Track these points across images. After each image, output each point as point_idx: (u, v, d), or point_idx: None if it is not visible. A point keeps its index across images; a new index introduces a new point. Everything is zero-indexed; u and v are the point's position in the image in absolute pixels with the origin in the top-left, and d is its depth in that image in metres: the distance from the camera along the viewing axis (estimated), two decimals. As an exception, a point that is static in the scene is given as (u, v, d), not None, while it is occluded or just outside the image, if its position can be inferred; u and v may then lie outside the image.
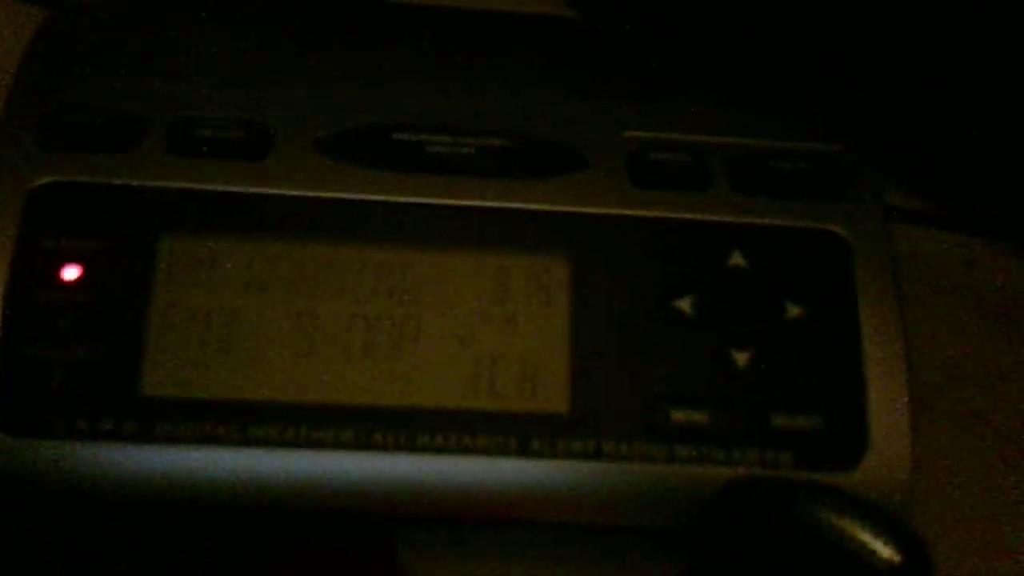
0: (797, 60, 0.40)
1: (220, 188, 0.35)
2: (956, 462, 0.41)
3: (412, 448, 0.33)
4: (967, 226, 0.43)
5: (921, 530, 0.33)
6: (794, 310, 0.35)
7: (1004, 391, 0.42)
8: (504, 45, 0.40)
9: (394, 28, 0.40)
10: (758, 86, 0.39)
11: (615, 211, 0.36)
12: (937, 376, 0.41)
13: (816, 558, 0.30)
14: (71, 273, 0.33)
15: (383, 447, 0.33)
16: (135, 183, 0.34)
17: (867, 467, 0.34)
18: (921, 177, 0.43)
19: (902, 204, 0.42)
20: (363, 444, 0.33)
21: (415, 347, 0.34)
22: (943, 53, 0.40)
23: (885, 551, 0.29)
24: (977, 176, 0.44)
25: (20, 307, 0.33)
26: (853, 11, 0.41)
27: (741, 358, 0.34)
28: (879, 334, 0.35)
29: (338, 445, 0.33)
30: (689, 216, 0.36)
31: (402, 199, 0.35)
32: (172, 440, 0.32)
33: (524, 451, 0.33)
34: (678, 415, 0.33)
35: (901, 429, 0.34)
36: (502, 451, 0.33)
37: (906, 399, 0.34)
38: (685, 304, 0.35)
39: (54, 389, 0.32)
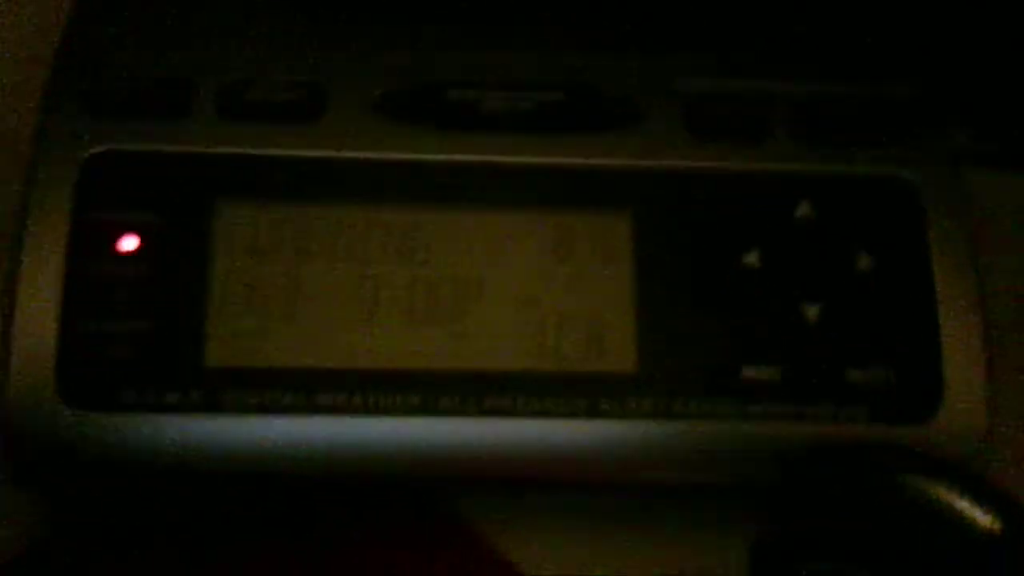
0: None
1: (274, 152, 0.34)
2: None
3: (479, 412, 0.32)
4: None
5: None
6: (864, 261, 0.34)
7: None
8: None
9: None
10: (817, 27, 0.38)
11: (675, 164, 0.35)
12: (1014, 323, 0.40)
13: (912, 527, 0.29)
14: (128, 244, 0.33)
15: (449, 412, 0.32)
16: (187, 150, 0.34)
17: (943, 419, 0.33)
18: (994, 118, 0.42)
19: (974, 146, 0.41)
20: (429, 409, 0.32)
21: (478, 309, 0.33)
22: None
23: (985, 520, 0.28)
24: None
25: (79, 280, 0.32)
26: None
27: (811, 312, 0.33)
28: (953, 283, 0.34)
29: (404, 411, 0.32)
30: (751, 167, 0.35)
31: (459, 158, 0.34)
32: (237, 410, 0.32)
33: (593, 412, 0.33)
34: (749, 372, 0.33)
35: (977, 380, 0.33)
36: (571, 413, 0.32)
37: (982, 350, 0.33)
38: (752, 258, 0.34)
39: (116, 362, 0.32)
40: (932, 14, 0.39)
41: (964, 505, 0.29)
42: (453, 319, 0.33)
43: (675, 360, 0.33)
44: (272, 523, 0.35)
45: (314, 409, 0.32)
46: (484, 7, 0.38)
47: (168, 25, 0.36)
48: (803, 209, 0.34)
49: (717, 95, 0.36)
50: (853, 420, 0.33)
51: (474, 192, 0.34)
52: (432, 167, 0.34)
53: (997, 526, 0.28)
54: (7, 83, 0.40)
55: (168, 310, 0.32)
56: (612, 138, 0.35)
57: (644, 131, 0.35)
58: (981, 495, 0.29)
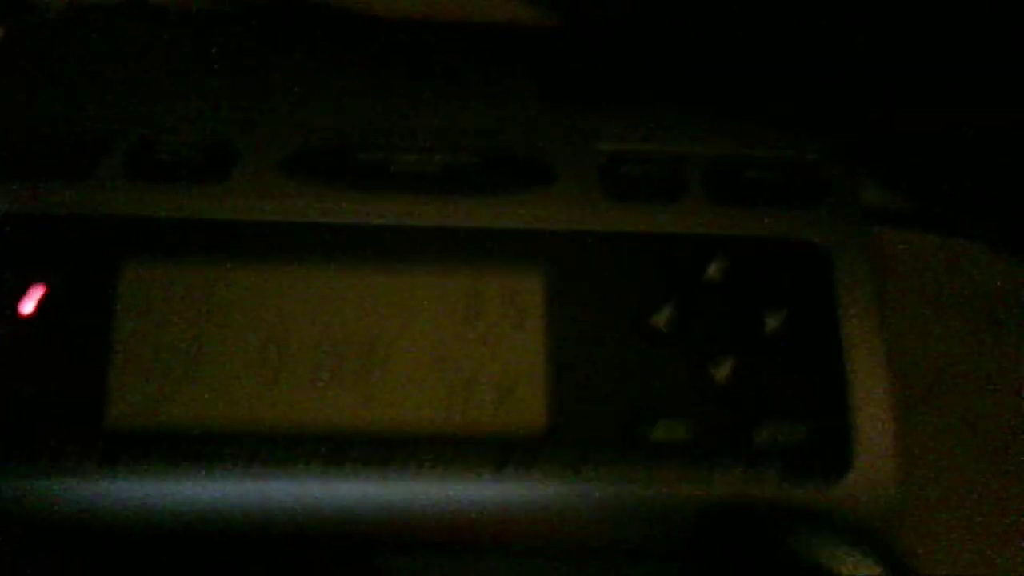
0: (769, 67, 0.39)
1: (181, 213, 0.34)
2: (943, 468, 0.40)
3: (386, 473, 0.32)
4: (948, 227, 0.43)
5: (908, 539, 0.32)
6: (773, 321, 0.34)
7: (992, 394, 0.42)
8: (469, 57, 0.39)
9: (357, 44, 0.39)
10: (731, 94, 0.38)
11: (588, 226, 0.35)
12: (924, 380, 0.41)
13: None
14: (30, 305, 0.32)
15: (356, 473, 0.32)
16: (93, 211, 0.33)
17: (853, 479, 0.33)
18: (900, 178, 0.42)
19: (882, 206, 0.42)
20: (335, 470, 0.32)
21: (386, 370, 0.33)
22: (920, 55, 0.40)
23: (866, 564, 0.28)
24: (957, 176, 0.43)
25: None
26: (829, 16, 0.40)
27: (721, 372, 0.33)
28: (861, 343, 0.34)
29: (309, 472, 0.32)
30: (664, 228, 0.35)
31: (369, 220, 0.34)
32: (138, 472, 0.31)
33: (501, 474, 0.32)
34: (658, 432, 0.33)
35: (887, 439, 0.33)
36: (478, 474, 0.32)
37: (891, 408, 0.33)
38: (662, 318, 0.34)
39: (17, 424, 0.31)
40: (844, 77, 0.39)
41: (851, 562, 0.29)
42: (359, 380, 0.33)
43: (585, 419, 0.33)
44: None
45: (216, 471, 0.32)
46: (399, 66, 0.38)
47: (76, 85, 0.36)
48: (713, 270, 0.34)
49: (631, 156, 0.36)
50: (763, 480, 0.33)
51: (383, 253, 0.34)
52: (340, 228, 0.34)
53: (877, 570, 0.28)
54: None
55: (69, 372, 0.32)
56: (525, 199, 0.35)
57: (558, 192, 0.35)
58: (867, 551, 0.29)
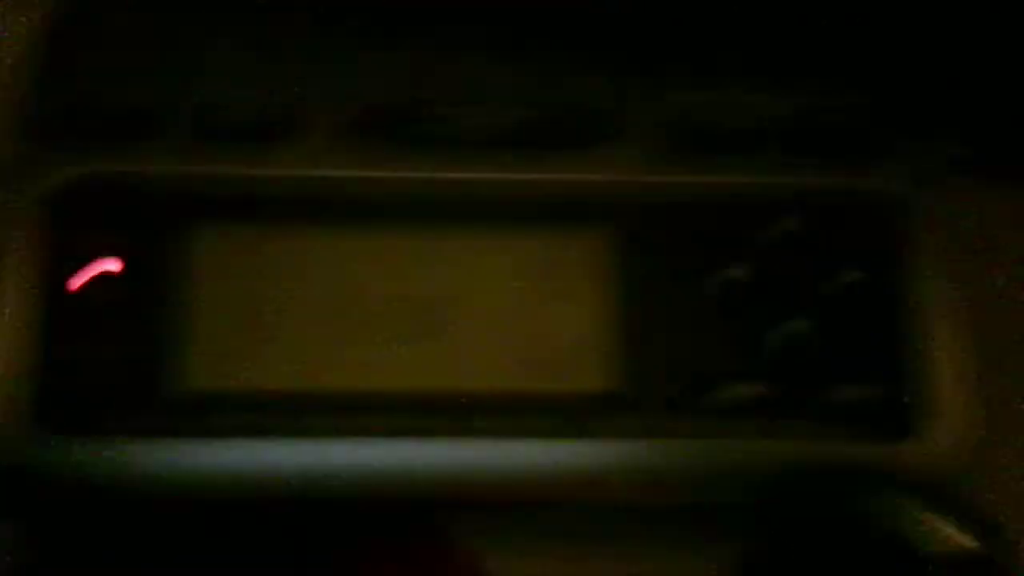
0: (847, 12, 0.38)
1: (250, 172, 0.34)
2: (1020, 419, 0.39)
3: (462, 433, 0.32)
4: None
5: (992, 498, 0.32)
6: (850, 275, 0.33)
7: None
8: (537, 11, 0.39)
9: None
10: (804, 39, 0.37)
11: (659, 180, 0.34)
12: (1007, 335, 0.40)
13: (891, 548, 0.29)
14: (105, 267, 0.33)
15: (432, 433, 0.32)
16: (162, 172, 0.33)
17: (930, 435, 0.32)
18: (986, 130, 0.41)
19: (965, 159, 0.41)
20: (411, 430, 0.32)
21: (458, 330, 0.33)
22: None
23: (960, 538, 0.28)
24: None
25: (56, 306, 0.32)
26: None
27: (796, 328, 0.33)
28: (938, 300, 0.33)
29: (383, 432, 0.32)
30: (736, 181, 0.34)
31: (437, 175, 0.34)
32: (214, 433, 0.32)
33: (574, 432, 0.32)
34: (732, 391, 0.32)
35: (966, 395, 0.33)
36: (552, 433, 0.32)
37: (968, 367, 0.33)
38: (736, 273, 0.33)
39: (95, 387, 0.32)
40: (922, 28, 0.38)
41: (939, 525, 0.28)
42: (433, 339, 0.33)
43: (660, 378, 0.33)
44: (257, 547, 0.34)
45: (295, 432, 0.32)
46: (466, 20, 0.38)
47: (145, 45, 0.36)
48: (788, 222, 0.34)
49: (702, 108, 0.35)
50: (838, 438, 0.32)
51: (453, 210, 0.34)
52: (410, 184, 0.34)
53: (974, 544, 0.28)
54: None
55: (144, 334, 0.32)
56: (595, 153, 0.35)
57: (627, 146, 0.35)
58: (957, 515, 0.28)
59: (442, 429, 0.32)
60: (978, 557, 0.28)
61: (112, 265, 0.33)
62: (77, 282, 0.32)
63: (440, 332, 0.33)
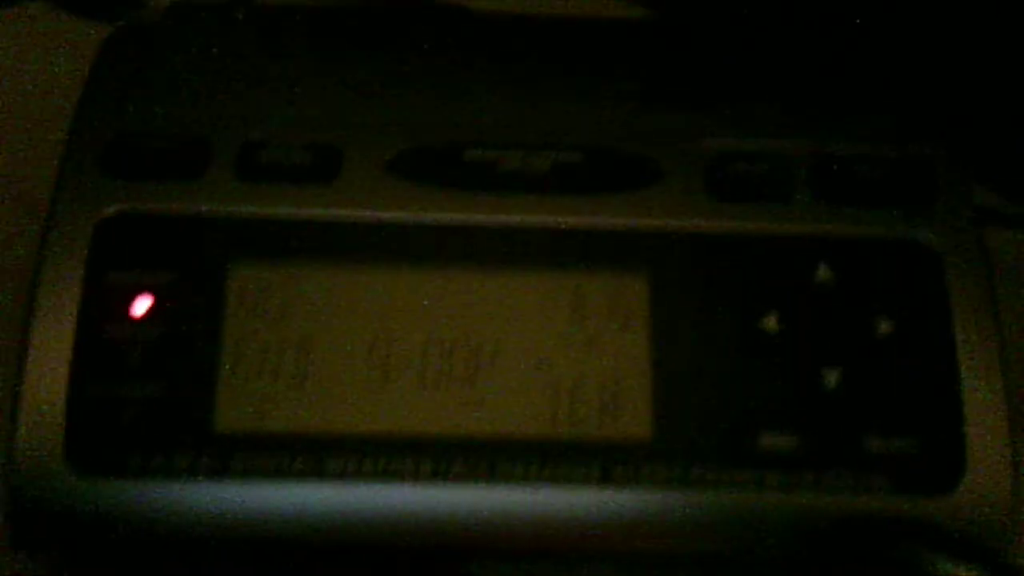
0: (881, 59, 0.39)
1: (289, 214, 0.34)
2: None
3: (492, 479, 0.32)
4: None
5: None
6: (885, 326, 0.33)
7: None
8: (572, 52, 0.39)
9: (460, 41, 0.39)
10: (841, 88, 0.38)
11: (694, 226, 0.34)
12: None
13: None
14: (141, 306, 0.33)
15: (462, 478, 0.32)
16: (203, 211, 0.34)
17: (966, 489, 0.32)
18: (1012, 179, 0.41)
19: (993, 207, 0.41)
20: (441, 475, 0.32)
21: (492, 373, 0.33)
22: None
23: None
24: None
25: (90, 343, 0.32)
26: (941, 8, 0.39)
27: (831, 378, 0.33)
28: (975, 348, 0.33)
29: (416, 477, 0.32)
30: (772, 229, 0.34)
31: (476, 219, 0.34)
32: (248, 475, 0.32)
33: (607, 480, 0.32)
34: (766, 440, 0.32)
35: (1001, 448, 0.32)
36: (584, 480, 0.32)
37: (1005, 417, 0.33)
38: (770, 322, 0.33)
39: (126, 426, 0.32)
40: (955, 74, 0.38)
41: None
42: (466, 383, 0.33)
43: (691, 427, 0.32)
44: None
45: (325, 474, 0.32)
46: (503, 62, 0.38)
47: (185, 85, 0.36)
48: (823, 272, 0.34)
49: (738, 155, 0.36)
50: (873, 490, 0.32)
51: (489, 253, 0.34)
52: (447, 228, 0.34)
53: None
54: (25, 142, 0.40)
55: (179, 374, 0.32)
56: (630, 198, 0.35)
57: (663, 191, 0.35)
58: (990, 571, 0.28)
59: (472, 474, 0.32)
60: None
61: (147, 304, 0.33)
62: (112, 320, 0.32)
63: (473, 376, 0.33)
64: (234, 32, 0.38)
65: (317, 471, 0.32)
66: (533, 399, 0.33)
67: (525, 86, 0.37)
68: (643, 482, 0.32)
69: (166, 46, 0.37)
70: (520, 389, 0.33)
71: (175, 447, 0.32)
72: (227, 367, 0.32)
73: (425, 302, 0.33)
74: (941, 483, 0.32)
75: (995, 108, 0.40)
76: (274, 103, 0.36)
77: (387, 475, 0.32)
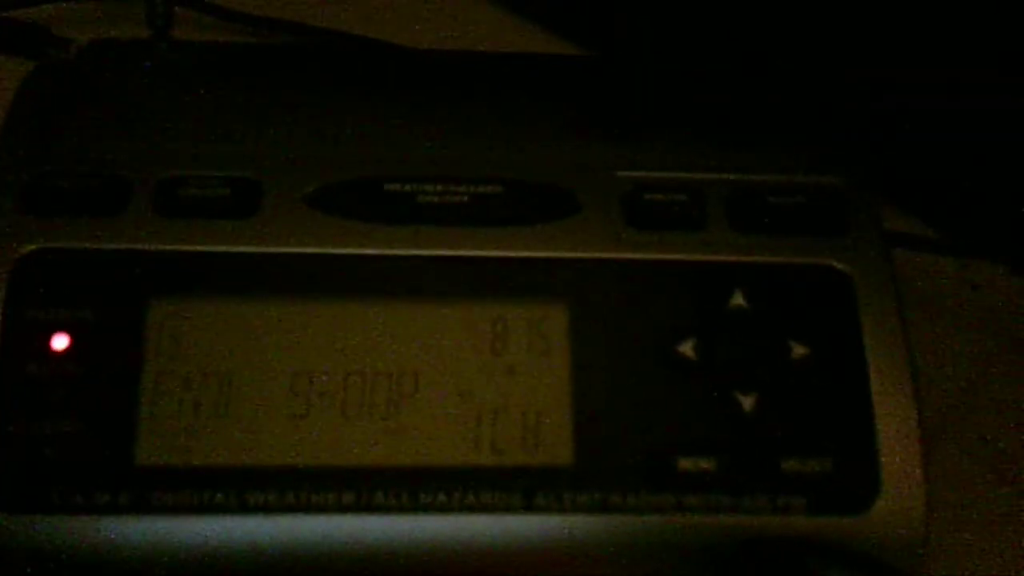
0: (791, 92, 0.40)
1: (209, 248, 0.34)
2: (966, 488, 0.40)
3: (414, 508, 0.32)
4: (970, 249, 0.43)
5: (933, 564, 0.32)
6: (799, 349, 0.34)
7: (1015, 414, 0.42)
8: (492, 87, 0.39)
9: (380, 76, 0.39)
10: (753, 120, 0.38)
11: (611, 255, 0.35)
12: (947, 402, 0.41)
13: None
14: (60, 343, 0.33)
15: (384, 508, 0.32)
16: (122, 247, 0.34)
17: (880, 508, 0.33)
18: (920, 202, 0.42)
19: (904, 230, 0.42)
20: (364, 506, 0.32)
21: (414, 403, 0.33)
22: (939, 80, 0.40)
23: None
24: (978, 199, 0.43)
25: (10, 380, 0.32)
26: (848, 42, 0.40)
27: (747, 402, 0.33)
28: (886, 370, 0.34)
29: (338, 508, 0.32)
30: (687, 257, 0.35)
31: (395, 251, 0.34)
32: (169, 510, 0.32)
33: (529, 506, 0.32)
34: (685, 463, 0.33)
35: (913, 468, 0.33)
36: (507, 507, 0.32)
37: (917, 436, 0.33)
38: (687, 348, 0.34)
39: (48, 463, 0.32)
40: (864, 104, 0.39)
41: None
42: (388, 414, 0.33)
43: (611, 452, 0.33)
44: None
45: (247, 508, 0.32)
46: (422, 97, 0.38)
47: (103, 123, 0.36)
48: (738, 298, 0.34)
49: (653, 184, 0.36)
50: (789, 511, 0.33)
51: (409, 285, 0.34)
52: (367, 260, 0.34)
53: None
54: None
55: (100, 409, 0.32)
56: (549, 229, 0.35)
57: (581, 222, 0.35)
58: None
59: (395, 504, 0.32)
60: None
61: (66, 340, 0.33)
62: (32, 357, 0.32)
63: (395, 407, 0.33)
64: (152, 69, 0.38)
65: (239, 504, 0.32)
66: (455, 428, 0.33)
67: (443, 120, 0.38)
68: (565, 508, 0.32)
69: (85, 84, 0.38)
70: (442, 418, 0.33)
71: (96, 482, 0.32)
72: (147, 402, 0.32)
73: (346, 334, 0.33)
74: (856, 503, 0.33)
75: (904, 134, 0.41)
76: (193, 139, 0.36)
77: (309, 507, 0.32)
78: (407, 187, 0.35)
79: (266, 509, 0.32)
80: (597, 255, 0.35)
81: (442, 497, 0.32)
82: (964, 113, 0.40)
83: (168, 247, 0.34)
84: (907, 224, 0.43)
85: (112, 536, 0.31)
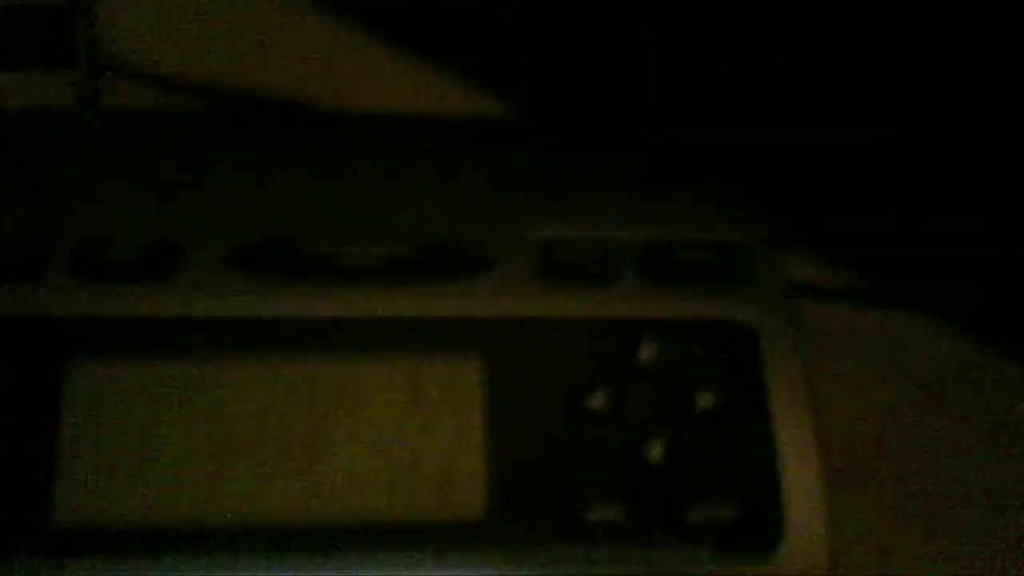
0: (699, 149, 0.41)
1: (126, 313, 0.34)
2: (884, 536, 0.41)
3: (328, 564, 0.33)
4: (880, 300, 0.44)
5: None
6: (704, 401, 0.35)
7: (930, 463, 0.43)
8: (407, 149, 0.40)
9: (298, 141, 0.40)
10: (661, 178, 0.40)
11: (524, 312, 0.36)
12: (861, 454, 0.42)
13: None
14: (-25, 406, 0.33)
15: (299, 565, 0.33)
16: (39, 312, 0.34)
17: (785, 554, 0.34)
18: (832, 254, 0.44)
19: (814, 282, 0.43)
20: (279, 563, 0.33)
21: (328, 460, 0.34)
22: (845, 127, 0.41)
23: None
24: (888, 249, 0.44)
25: None
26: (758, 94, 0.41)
27: (654, 452, 0.34)
28: (789, 419, 0.35)
29: (254, 566, 0.32)
30: (596, 312, 0.36)
31: (312, 313, 0.35)
32: (85, 568, 0.32)
33: (441, 560, 0.33)
34: (594, 514, 0.34)
35: (817, 514, 0.34)
36: (419, 563, 0.33)
37: (820, 483, 0.34)
38: (596, 400, 0.35)
39: None
40: (770, 158, 0.41)
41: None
42: (303, 471, 0.33)
43: (523, 505, 0.34)
44: None
45: (163, 568, 0.32)
46: (340, 160, 0.39)
47: (22, 187, 0.37)
48: (645, 350, 0.35)
49: (565, 242, 0.37)
50: (697, 558, 0.33)
51: (326, 345, 0.35)
52: (284, 322, 0.35)
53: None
54: None
55: (16, 472, 0.33)
56: (463, 287, 0.36)
57: (495, 279, 0.36)
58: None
59: (309, 561, 0.33)
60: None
61: (-15, 404, 0.33)
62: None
63: (312, 461, 0.33)
64: (69, 133, 0.39)
65: (154, 565, 0.32)
66: (369, 483, 0.33)
67: (361, 182, 0.39)
68: (476, 561, 0.33)
69: (6, 150, 0.38)
70: (356, 474, 0.34)
71: (12, 540, 0.32)
72: (63, 464, 0.33)
73: (262, 394, 0.34)
74: (762, 550, 0.34)
75: (809, 189, 0.42)
76: (111, 203, 0.37)
77: (226, 566, 0.32)
78: (323, 249, 0.36)
79: (182, 569, 0.32)
80: (510, 312, 0.36)
81: (355, 553, 0.33)
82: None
83: (85, 312, 0.34)
84: (820, 277, 0.44)
85: None
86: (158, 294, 0.35)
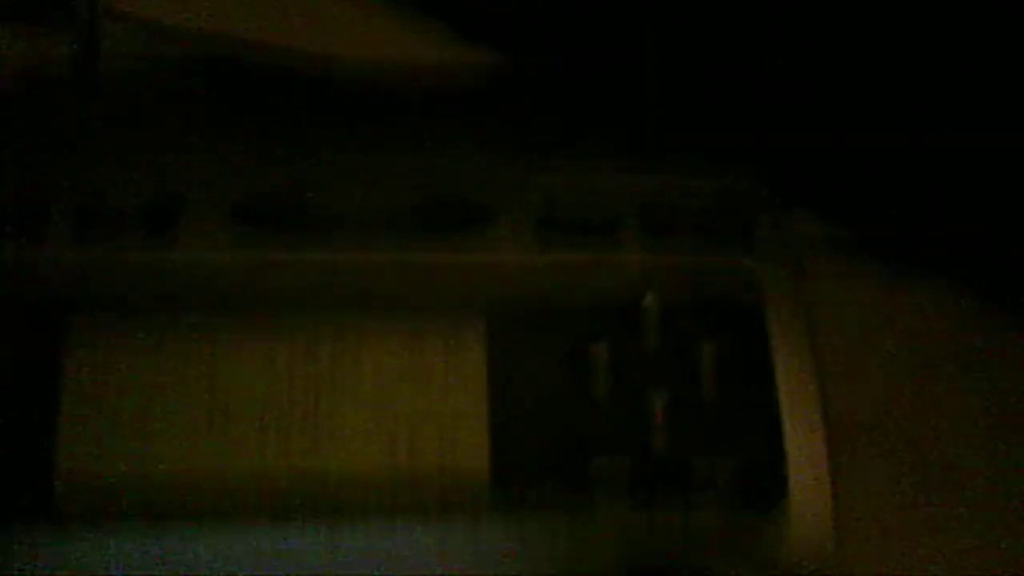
0: (706, 98, 0.40)
1: (128, 267, 0.34)
2: (886, 499, 0.41)
3: (332, 516, 0.33)
4: (884, 253, 0.43)
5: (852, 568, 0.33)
6: (708, 351, 0.35)
7: (932, 428, 0.42)
8: (408, 100, 0.40)
9: (298, 89, 0.40)
10: (664, 126, 0.39)
11: (526, 260, 0.36)
12: (865, 415, 0.41)
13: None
14: (-21, 361, 0.33)
15: (302, 517, 0.33)
16: (41, 270, 0.34)
17: (788, 504, 0.34)
18: (839, 209, 0.43)
19: (820, 236, 0.42)
20: (282, 515, 0.33)
21: (332, 416, 0.34)
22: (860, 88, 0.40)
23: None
24: (896, 206, 0.44)
25: None
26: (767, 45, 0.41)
27: (657, 404, 0.34)
28: (793, 371, 0.35)
29: (257, 517, 0.33)
30: (598, 263, 0.36)
31: (314, 261, 0.35)
32: (89, 521, 0.32)
33: (446, 512, 0.33)
34: (598, 467, 0.34)
35: (819, 464, 0.34)
36: (424, 514, 0.33)
37: (823, 437, 0.34)
38: (600, 349, 0.35)
39: None
40: (778, 106, 0.40)
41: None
42: (305, 423, 0.33)
43: (527, 455, 0.34)
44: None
45: (165, 518, 0.32)
46: (340, 110, 0.39)
47: (27, 138, 0.37)
48: (649, 299, 0.35)
49: (566, 193, 0.37)
50: (701, 508, 0.33)
51: (328, 294, 0.35)
52: (286, 270, 0.35)
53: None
54: None
55: (19, 422, 0.33)
56: (465, 237, 0.36)
57: (496, 231, 0.36)
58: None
59: (313, 512, 0.33)
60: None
61: (-13, 359, 0.33)
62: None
63: (315, 417, 0.34)
64: (73, 95, 0.39)
65: (156, 515, 0.32)
66: (372, 435, 0.33)
67: (361, 132, 0.38)
68: (481, 511, 0.33)
69: (5, 102, 0.38)
70: (358, 426, 0.34)
71: (15, 499, 0.32)
72: (66, 415, 0.33)
73: (266, 347, 0.34)
74: (765, 500, 0.34)
75: (818, 137, 0.42)
76: (112, 162, 0.36)
77: (227, 516, 0.33)
78: (326, 197, 0.36)
79: (184, 519, 0.32)
80: (511, 263, 0.36)
81: (359, 504, 0.33)
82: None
83: (87, 267, 0.34)
84: (827, 231, 0.43)
85: (29, 547, 0.32)
86: (161, 245, 0.35)
